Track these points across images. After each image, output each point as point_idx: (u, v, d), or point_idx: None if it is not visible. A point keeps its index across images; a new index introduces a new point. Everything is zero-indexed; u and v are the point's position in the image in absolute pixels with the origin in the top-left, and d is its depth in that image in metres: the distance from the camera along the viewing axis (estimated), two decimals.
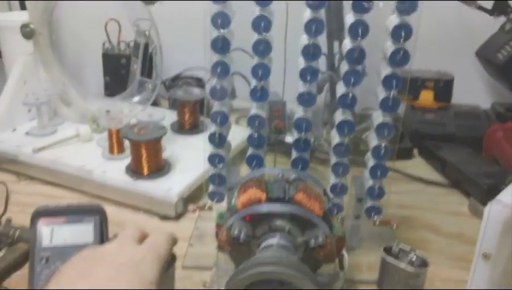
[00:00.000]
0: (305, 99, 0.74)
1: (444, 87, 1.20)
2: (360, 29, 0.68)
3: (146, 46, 1.21)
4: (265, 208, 0.61)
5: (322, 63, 1.13)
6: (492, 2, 1.10)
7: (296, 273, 0.53)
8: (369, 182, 0.77)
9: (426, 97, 1.20)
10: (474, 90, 1.32)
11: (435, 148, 1.11)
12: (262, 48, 0.71)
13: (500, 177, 0.94)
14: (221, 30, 0.70)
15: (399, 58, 0.69)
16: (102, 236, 0.62)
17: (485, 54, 1.20)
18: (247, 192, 0.63)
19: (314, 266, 0.64)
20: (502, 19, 1.14)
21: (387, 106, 0.72)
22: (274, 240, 0.60)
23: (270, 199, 0.62)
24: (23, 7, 1.43)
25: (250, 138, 0.77)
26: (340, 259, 0.71)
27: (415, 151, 1.17)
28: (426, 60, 1.18)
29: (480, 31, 1.20)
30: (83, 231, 0.62)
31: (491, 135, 1.10)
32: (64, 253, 0.60)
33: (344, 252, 0.71)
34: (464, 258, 0.80)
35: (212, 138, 0.77)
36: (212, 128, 0.77)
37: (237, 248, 0.63)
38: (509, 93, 1.22)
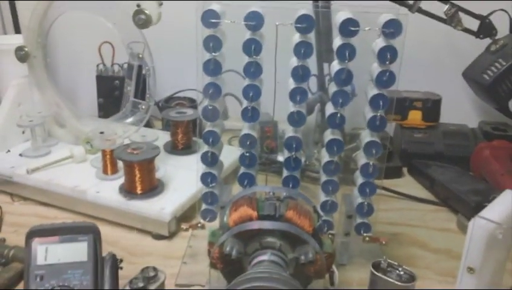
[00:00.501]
0: (295, 120, 0.76)
1: (432, 107, 1.22)
2: (347, 52, 0.71)
3: (139, 68, 1.23)
4: (256, 225, 0.63)
5: (313, 84, 1.17)
6: (477, 23, 1.13)
7: (286, 288, 0.54)
8: (358, 200, 0.79)
9: (415, 117, 1.23)
10: (461, 110, 1.35)
11: (423, 167, 1.13)
12: (253, 70, 0.73)
13: (487, 195, 0.95)
14: (213, 53, 0.72)
15: (385, 79, 0.71)
16: (96, 255, 0.64)
17: (472, 75, 1.23)
18: (238, 210, 0.65)
19: (305, 281, 0.65)
20: (488, 40, 1.17)
21: (374, 125, 0.74)
22: (265, 257, 0.62)
23: (261, 217, 0.64)
24: (17, 31, 1.45)
25: (241, 157, 0.79)
26: (330, 275, 0.73)
27: (405, 170, 1.19)
28: (414, 81, 1.22)
29: (466, 52, 1.23)
30: (77, 250, 0.63)
31: (478, 154, 1.12)
32: (59, 271, 0.62)
33: (334, 268, 0.73)
34: (452, 273, 0.81)
35: (204, 158, 0.79)
36: (204, 148, 0.79)
37: (229, 265, 0.65)
38: (496, 112, 1.25)
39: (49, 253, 0.62)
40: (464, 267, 0.59)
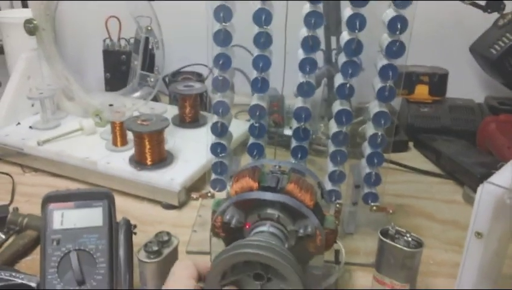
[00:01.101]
0: (305, 90, 0.77)
1: (438, 81, 1.23)
2: (357, 22, 0.71)
3: (146, 42, 1.23)
4: (255, 195, 0.64)
5: (319, 58, 1.17)
6: None
7: (278, 258, 0.55)
8: (366, 170, 0.80)
9: (421, 91, 1.23)
10: (468, 85, 1.35)
11: (429, 141, 1.14)
12: (263, 40, 0.74)
13: (492, 167, 0.96)
14: (223, 23, 0.73)
15: (395, 49, 0.72)
16: (111, 220, 0.65)
17: (479, 49, 1.23)
18: (240, 181, 0.66)
19: (305, 256, 0.66)
20: (495, 15, 1.17)
21: (383, 96, 0.75)
22: (264, 228, 0.62)
23: (262, 188, 0.65)
24: (24, 5, 1.45)
25: (251, 128, 0.80)
26: (336, 253, 0.74)
27: (411, 144, 1.20)
28: (421, 55, 1.21)
29: (474, 27, 1.23)
30: (92, 215, 0.65)
31: (484, 127, 1.13)
32: (75, 236, 0.63)
33: (341, 246, 0.74)
34: (458, 243, 0.83)
35: (214, 128, 0.80)
36: (214, 118, 0.80)
37: (230, 233, 0.66)
38: (502, 87, 1.26)
39: (65, 218, 0.64)
40: (471, 232, 0.60)
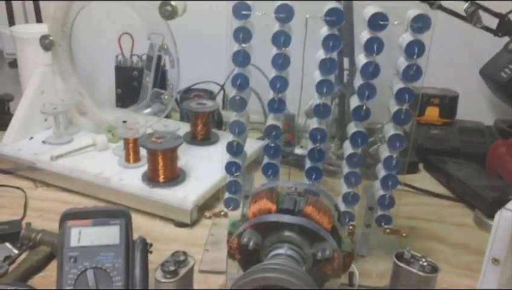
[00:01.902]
0: (321, 111, 0.78)
1: (449, 103, 1.24)
2: (375, 46, 0.72)
3: (159, 59, 1.24)
4: (274, 218, 0.64)
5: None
6: (496, 22, 1.14)
7: (298, 282, 0.55)
8: (380, 192, 0.80)
9: (432, 113, 1.24)
10: (477, 108, 1.36)
11: (440, 163, 1.14)
12: (282, 62, 0.74)
13: (504, 191, 0.97)
14: (243, 44, 0.74)
15: (412, 73, 0.72)
16: (127, 238, 0.65)
17: (489, 73, 1.24)
18: (258, 202, 0.66)
19: (321, 279, 0.66)
20: (506, 39, 1.18)
21: (399, 118, 0.76)
22: (282, 250, 0.63)
23: (280, 210, 0.65)
24: (38, 19, 1.47)
25: (266, 148, 0.80)
26: (350, 276, 0.74)
27: (421, 165, 1.20)
28: (432, 77, 1.22)
29: (484, 50, 1.24)
30: (109, 233, 0.65)
31: (494, 151, 1.13)
32: (92, 253, 0.63)
33: (354, 269, 0.74)
34: (470, 267, 0.83)
35: (230, 147, 0.80)
36: (230, 137, 0.80)
37: (247, 256, 0.66)
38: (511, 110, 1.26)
39: (82, 235, 0.64)
40: (488, 258, 0.60)
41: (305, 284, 0.56)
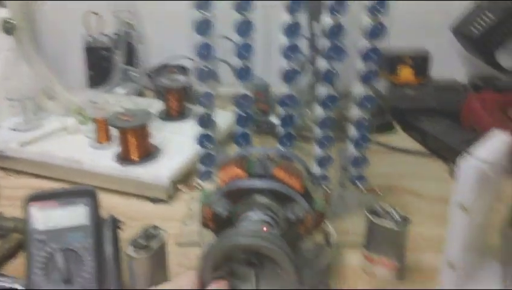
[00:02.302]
0: (290, 77, 0.76)
1: (422, 63, 1.23)
2: (339, 7, 0.70)
3: (128, 37, 1.22)
4: (244, 183, 0.63)
5: (303, 45, 1.16)
6: None
7: (270, 245, 0.54)
8: (353, 152, 0.80)
9: (405, 73, 1.23)
10: (451, 65, 1.35)
11: (415, 122, 1.14)
12: (245, 28, 0.73)
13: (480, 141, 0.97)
14: (205, 13, 0.72)
15: (376, 31, 0.72)
16: (96, 217, 0.64)
17: (460, 29, 1.24)
18: (227, 170, 0.65)
19: (295, 240, 0.65)
20: None
21: (367, 78, 0.75)
22: (254, 215, 0.62)
23: (250, 176, 0.64)
24: (0, 4, 1.43)
25: (238, 118, 0.79)
26: (326, 235, 0.74)
27: (397, 125, 1.20)
28: (404, 38, 1.22)
29: (455, 8, 1.23)
30: (76, 213, 0.63)
31: (468, 106, 1.13)
32: (60, 235, 0.62)
33: (331, 229, 0.74)
34: (446, 218, 0.83)
35: (200, 120, 0.79)
36: (200, 110, 0.79)
37: (220, 224, 0.65)
38: (485, 65, 1.26)
39: (49, 218, 0.63)
40: (455, 205, 0.61)
41: (277, 246, 0.56)
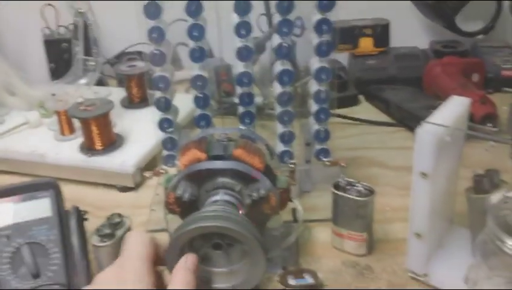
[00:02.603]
0: (244, 55, 0.76)
1: (381, 32, 1.24)
2: None
3: (85, 26, 1.20)
4: (205, 165, 0.64)
5: (263, 23, 1.16)
6: None
7: (233, 226, 0.55)
8: (315, 127, 0.81)
9: (365, 44, 1.24)
10: (411, 33, 1.36)
11: (378, 92, 1.15)
12: (195, 8, 0.72)
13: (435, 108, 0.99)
14: None
15: (325, 2, 0.72)
16: (59, 209, 0.64)
17: None
18: (187, 153, 0.65)
19: (262, 219, 0.66)
20: None
21: (321, 50, 0.75)
22: (218, 197, 0.62)
23: (210, 157, 0.64)
24: None
25: (195, 99, 0.79)
26: (293, 212, 0.75)
27: (361, 97, 1.21)
28: (361, 8, 1.22)
29: None
30: (39, 206, 0.63)
31: (430, 72, 1.15)
32: (24, 229, 0.62)
33: (297, 205, 0.75)
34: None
35: (158, 104, 0.79)
36: (157, 94, 0.79)
37: (185, 208, 0.65)
38: (445, 30, 1.27)
39: (12, 213, 0.62)
40: (416, 173, 0.61)
41: (240, 226, 0.56)
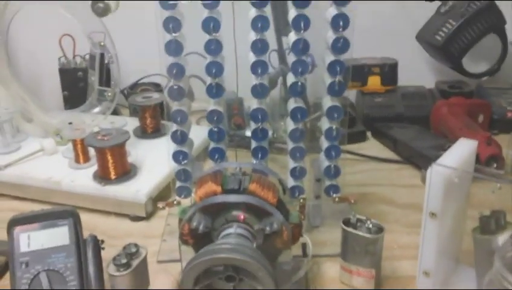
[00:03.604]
0: (258, 92, 0.79)
1: (389, 71, 1.27)
2: (302, 22, 0.73)
3: (102, 57, 1.23)
4: (220, 199, 0.65)
5: (274, 60, 1.20)
6: None
7: (248, 259, 0.57)
8: (325, 163, 0.83)
9: (374, 82, 1.27)
10: (418, 72, 1.40)
11: (386, 129, 1.18)
12: (214, 47, 0.75)
13: (447, 149, 1.01)
14: (173, 34, 0.74)
15: (339, 45, 0.75)
16: (77, 237, 0.66)
17: (425, 37, 1.28)
18: (203, 186, 0.67)
19: (274, 253, 0.68)
20: (437, 3, 1.22)
21: (334, 90, 0.78)
22: (231, 230, 0.64)
23: (225, 191, 0.66)
24: None
25: (210, 133, 0.82)
26: (303, 247, 0.77)
27: (368, 134, 1.23)
28: (371, 48, 1.26)
29: (418, 16, 1.27)
30: (58, 234, 0.65)
31: (437, 111, 1.17)
32: (43, 256, 0.64)
33: (307, 240, 0.76)
34: (419, 225, 0.84)
35: (174, 136, 0.81)
36: (173, 127, 0.81)
37: (199, 240, 0.67)
38: (451, 71, 1.30)
39: (31, 240, 0.64)
40: (426, 213, 0.63)
41: (254, 260, 0.58)
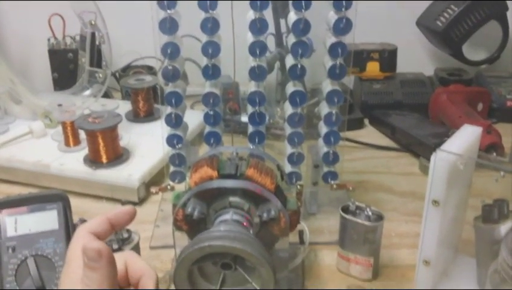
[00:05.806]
0: (256, 74, 0.76)
1: (388, 57, 1.24)
2: (303, 2, 0.71)
3: (93, 38, 1.20)
4: (216, 184, 0.63)
5: (270, 43, 1.17)
6: None
7: (246, 248, 0.54)
8: (324, 149, 0.81)
9: (372, 68, 1.24)
10: (417, 59, 1.38)
11: (384, 116, 1.16)
12: (211, 25, 0.72)
13: (446, 137, 0.99)
14: (168, 11, 0.71)
15: (342, 26, 0.72)
16: (67, 222, 0.63)
17: (425, 23, 1.26)
18: (198, 171, 0.64)
19: (271, 240, 0.65)
20: None
21: (334, 73, 0.75)
22: (228, 216, 0.61)
23: (221, 176, 0.64)
24: None
25: (206, 116, 0.79)
26: (300, 234, 0.75)
27: (366, 121, 1.21)
28: (370, 33, 1.23)
29: (419, 1, 1.25)
30: (47, 218, 0.62)
31: (436, 99, 1.15)
32: (31, 241, 0.61)
33: (304, 227, 0.74)
34: (417, 213, 0.84)
35: (168, 119, 0.78)
36: (168, 110, 0.78)
37: (193, 226, 0.65)
38: (450, 58, 1.29)
39: (18, 224, 0.61)
40: (428, 200, 0.61)
41: (252, 248, 0.56)
